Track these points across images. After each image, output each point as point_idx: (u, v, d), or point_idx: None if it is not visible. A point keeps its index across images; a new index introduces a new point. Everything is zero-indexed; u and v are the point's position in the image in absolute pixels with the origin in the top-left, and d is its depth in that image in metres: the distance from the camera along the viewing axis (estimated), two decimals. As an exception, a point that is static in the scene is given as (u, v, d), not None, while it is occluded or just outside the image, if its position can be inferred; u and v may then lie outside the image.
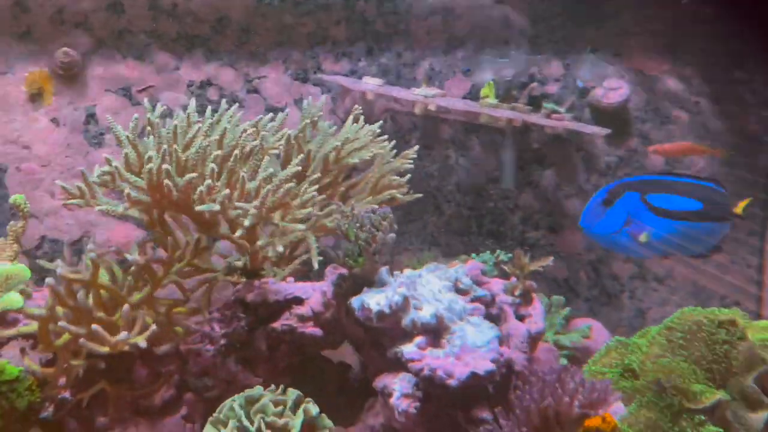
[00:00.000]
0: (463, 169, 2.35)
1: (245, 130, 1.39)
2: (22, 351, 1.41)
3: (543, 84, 2.33)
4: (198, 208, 1.23)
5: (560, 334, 2.16)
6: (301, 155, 1.41)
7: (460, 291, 1.55)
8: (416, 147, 1.76)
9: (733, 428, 1.37)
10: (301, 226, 1.25)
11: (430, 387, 1.22)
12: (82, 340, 1.25)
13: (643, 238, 1.41)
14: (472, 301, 1.50)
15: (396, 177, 1.63)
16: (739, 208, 1.43)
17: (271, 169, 1.26)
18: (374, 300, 1.26)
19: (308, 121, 1.55)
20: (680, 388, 1.39)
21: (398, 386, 1.25)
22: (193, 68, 2.13)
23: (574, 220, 2.39)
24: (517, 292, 1.59)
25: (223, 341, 1.42)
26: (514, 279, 1.65)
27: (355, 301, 1.29)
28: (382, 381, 1.30)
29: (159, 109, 1.46)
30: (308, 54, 2.19)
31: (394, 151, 1.75)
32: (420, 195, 1.76)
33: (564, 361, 2.04)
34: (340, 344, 1.56)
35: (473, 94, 2.27)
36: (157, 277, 1.36)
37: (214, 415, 1.29)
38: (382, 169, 1.67)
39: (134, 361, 1.50)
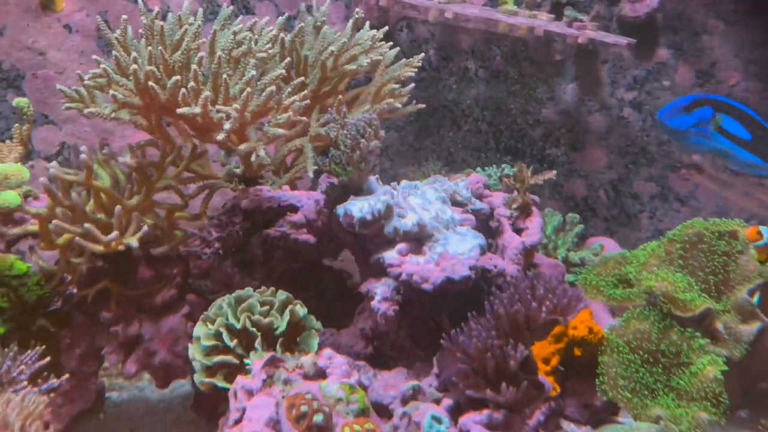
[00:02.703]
0: (483, 82, 2.28)
1: (235, 33, 1.36)
2: (31, 249, 1.48)
3: (569, -10, 2.21)
4: (179, 111, 1.23)
5: (572, 251, 2.14)
6: (288, 59, 1.39)
7: (457, 203, 1.54)
8: (421, 55, 1.71)
9: (722, 339, 1.35)
10: (281, 131, 1.24)
11: (408, 291, 1.23)
12: (77, 238, 1.29)
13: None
14: (467, 213, 1.49)
15: (396, 86, 1.59)
16: None
17: (252, 72, 1.24)
18: (357, 207, 1.26)
19: (302, 24, 1.51)
20: (670, 296, 1.37)
21: (380, 290, 1.27)
22: (205, -27, 2.09)
23: (597, 136, 2.32)
24: (514, 205, 1.57)
25: (217, 245, 1.45)
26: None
27: (339, 209, 1.29)
28: (366, 285, 1.32)
29: (155, 11, 1.45)
30: (321, -42, 2.12)
31: (401, 59, 1.71)
32: (422, 106, 1.72)
33: (570, 278, 2.03)
34: (336, 251, 1.58)
35: (495, 1, 2.18)
36: (149, 181, 1.38)
37: (205, 313, 1.34)
38: (382, 78, 1.63)
39: (138, 263, 1.56)
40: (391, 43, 1.70)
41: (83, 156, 1.30)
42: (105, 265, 1.51)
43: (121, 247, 1.34)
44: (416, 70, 1.68)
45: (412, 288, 1.21)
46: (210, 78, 1.28)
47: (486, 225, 1.60)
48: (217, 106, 1.22)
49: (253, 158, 1.26)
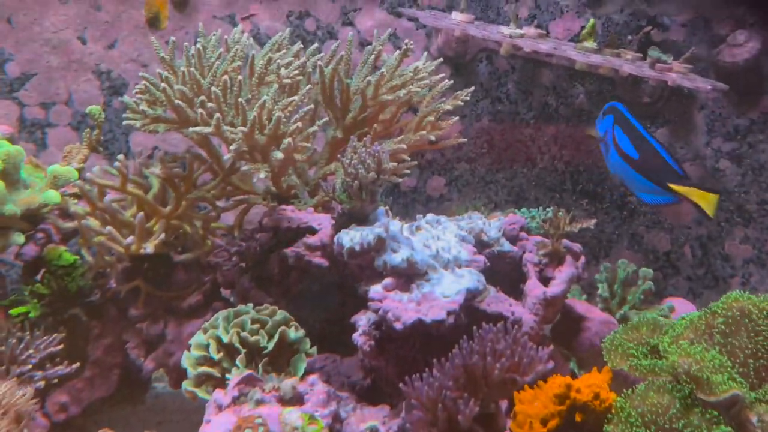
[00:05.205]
0: (563, 119, 2.18)
1: (270, 59, 1.42)
2: (81, 243, 1.62)
3: (665, 29, 2.06)
4: (192, 129, 1.30)
5: (636, 309, 1.98)
6: (309, 86, 1.42)
7: (482, 243, 1.49)
8: (471, 89, 1.67)
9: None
10: (281, 155, 1.27)
11: (387, 328, 1.21)
12: (102, 238, 1.41)
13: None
14: (482, 254, 1.43)
15: (432, 118, 1.57)
16: (681, 189, 1.65)
17: (265, 98, 1.28)
18: (348, 237, 1.25)
19: (343, 53, 1.54)
20: (694, 376, 1.23)
21: (361, 323, 1.25)
22: (294, -2, 2.20)
23: (687, 187, 2.13)
24: (542, 252, 1.48)
25: (235, 258, 1.51)
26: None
27: (336, 237, 1.30)
28: (355, 317, 1.31)
29: (215, 36, 1.55)
30: (405, -14, 2.14)
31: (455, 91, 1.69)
32: (464, 140, 1.68)
33: (622, 338, 1.87)
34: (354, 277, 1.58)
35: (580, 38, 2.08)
36: (178, 191, 1.47)
37: (206, 323, 1.39)
38: (425, 110, 1.61)
39: (176, 266, 1.65)
40: (443, 75, 1.68)
41: (116, 163, 1.41)
42: (144, 264, 1.62)
43: (142, 251, 1.44)
44: (462, 103, 1.65)
45: (387, 325, 1.19)
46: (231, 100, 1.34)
47: (518, 269, 1.53)
48: (228, 128, 1.28)
49: (255, 179, 1.30)
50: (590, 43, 1.94)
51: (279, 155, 1.27)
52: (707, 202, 1.64)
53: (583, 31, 1.97)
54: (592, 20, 1.97)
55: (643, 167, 1.64)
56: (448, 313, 1.16)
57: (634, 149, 1.64)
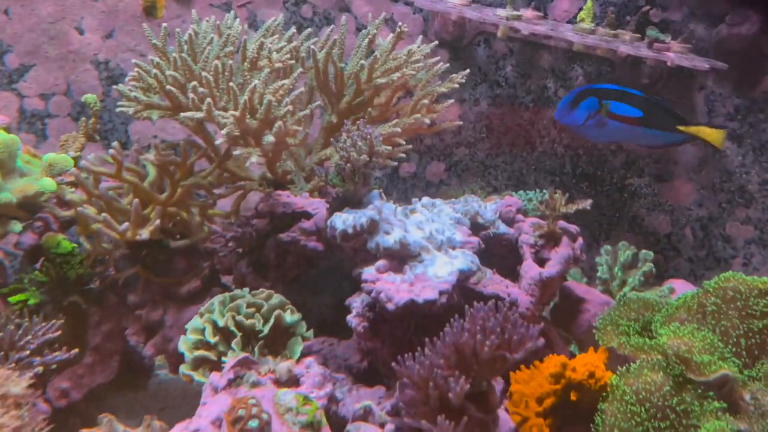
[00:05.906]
0: (562, 102, 2.16)
1: (262, 44, 1.42)
2: (78, 231, 1.63)
3: (664, 8, 2.05)
4: (184, 114, 1.30)
5: (637, 291, 1.97)
6: (300, 70, 1.42)
7: (477, 225, 1.49)
8: (466, 71, 1.66)
9: (744, 410, 1.19)
10: (272, 139, 1.27)
11: (380, 309, 1.21)
12: (98, 225, 1.41)
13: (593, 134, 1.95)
14: (477, 236, 1.43)
15: (426, 101, 1.57)
16: (690, 129, 1.90)
17: (256, 82, 1.28)
18: (341, 219, 1.26)
19: (336, 37, 1.53)
20: (683, 357, 1.22)
21: (355, 305, 1.25)
22: (290, -15, 2.19)
23: (687, 169, 2.12)
24: (537, 233, 1.47)
25: (231, 244, 1.51)
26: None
27: (329, 220, 1.30)
28: (350, 299, 1.31)
29: (208, 22, 1.56)
30: (400, -30, 2.13)
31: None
32: (460, 123, 1.68)
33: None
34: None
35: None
36: (173, 178, 1.47)
37: (202, 307, 1.40)
38: (420, 93, 1.61)
39: (175, 253, 1.66)
40: (438, 58, 1.68)
41: (111, 151, 1.42)
42: (143, 251, 1.63)
43: (137, 237, 1.44)
44: (457, 86, 1.64)
45: (380, 306, 1.19)
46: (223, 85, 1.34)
47: (514, 251, 1.53)
48: (220, 112, 1.28)
49: (247, 164, 1.30)
50: (588, 25, 1.93)
51: (270, 139, 1.27)
52: (715, 137, 1.86)
53: (581, 12, 1.95)
54: (589, 1, 1.95)
55: (650, 120, 1.85)
56: (441, 294, 1.16)
57: (637, 109, 1.84)
